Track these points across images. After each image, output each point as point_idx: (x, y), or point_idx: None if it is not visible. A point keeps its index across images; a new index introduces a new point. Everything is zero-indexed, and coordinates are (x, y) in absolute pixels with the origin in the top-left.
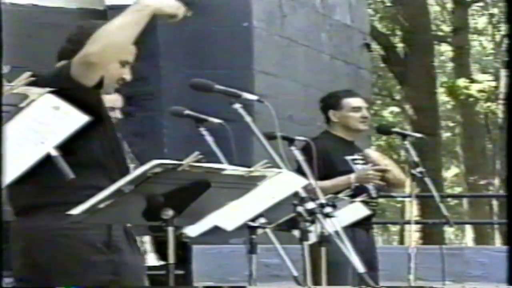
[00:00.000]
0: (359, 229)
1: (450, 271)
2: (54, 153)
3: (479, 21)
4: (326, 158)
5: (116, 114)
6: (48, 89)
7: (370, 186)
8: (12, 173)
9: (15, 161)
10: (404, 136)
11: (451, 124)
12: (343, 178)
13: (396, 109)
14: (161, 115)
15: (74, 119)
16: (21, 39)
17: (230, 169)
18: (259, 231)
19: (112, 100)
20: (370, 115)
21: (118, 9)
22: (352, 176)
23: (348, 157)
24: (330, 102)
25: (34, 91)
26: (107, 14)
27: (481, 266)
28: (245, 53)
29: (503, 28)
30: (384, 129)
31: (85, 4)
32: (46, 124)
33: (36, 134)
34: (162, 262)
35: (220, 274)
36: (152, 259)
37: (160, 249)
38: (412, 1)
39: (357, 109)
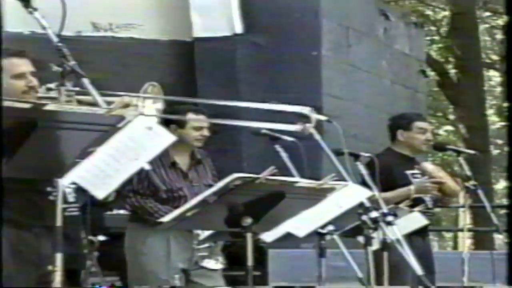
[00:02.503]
0: (415, 236)
1: (500, 273)
2: (147, 167)
3: None
4: (388, 172)
5: (204, 132)
6: (141, 111)
7: (427, 198)
8: (110, 185)
9: (113, 174)
10: (458, 153)
11: (500, 142)
12: (404, 189)
13: (450, 128)
14: (241, 133)
15: (164, 138)
16: (118, 68)
17: (302, 182)
18: (328, 237)
19: (200, 120)
20: (433, 138)
21: (204, 41)
22: (412, 188)
23: (408, 172)
24: (401, 123)
25: (130, 113)
26: (194, 45)
27: None
28: (314, 78)
29: None
30: (440, 146)
31: (176, 37)
32: (140, 142)
33: (131, 151)
34: (220, 266)
35: (292, 275)
36: (211, 263)
37: (238, 253)
38: (465, 32)
39: (424, 131)
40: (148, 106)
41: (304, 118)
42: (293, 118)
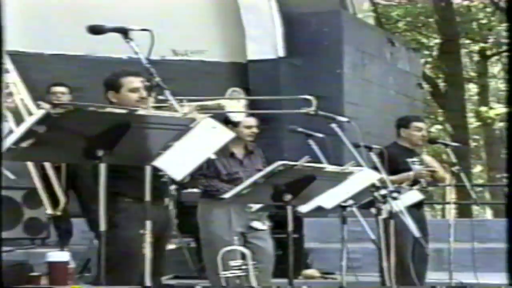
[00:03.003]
0: (413, 208)
1: (477, 235)
2: (212, 157)
3: (495, 68)
4: (393, 160)
5: (254, 130)
6: (209, 114)
7: (422, 180)
8: (185, 170)
9: (187, 162)
10: (446, 145)
11: (477, 137)
12: (405, 174)
13: (439, 127)
14: (282, 132)
15: (225, 135)
16: (191, 83)
17: (329, 168)
18: (348, 209)
19: (250, 121)
20: (427, 135)
21: (255, 62)
22: (411, 173)
23: (409, 160)
24: (402, 123)
25: (199, 116)
26: (247, 65)
27: (497, 232)
28: (338, 90)
29: None
30: (432, 140)
31: (234, 59)
32: (207, 138)
33: (201, 145)
34: (265, 227)
35: (322, 237)
36: (259, 224)
37: (281, 221)
38: (451, 55)
39: (419, 129)
40: (235, 105)
41: (331, 120)
42: (322, 120)
